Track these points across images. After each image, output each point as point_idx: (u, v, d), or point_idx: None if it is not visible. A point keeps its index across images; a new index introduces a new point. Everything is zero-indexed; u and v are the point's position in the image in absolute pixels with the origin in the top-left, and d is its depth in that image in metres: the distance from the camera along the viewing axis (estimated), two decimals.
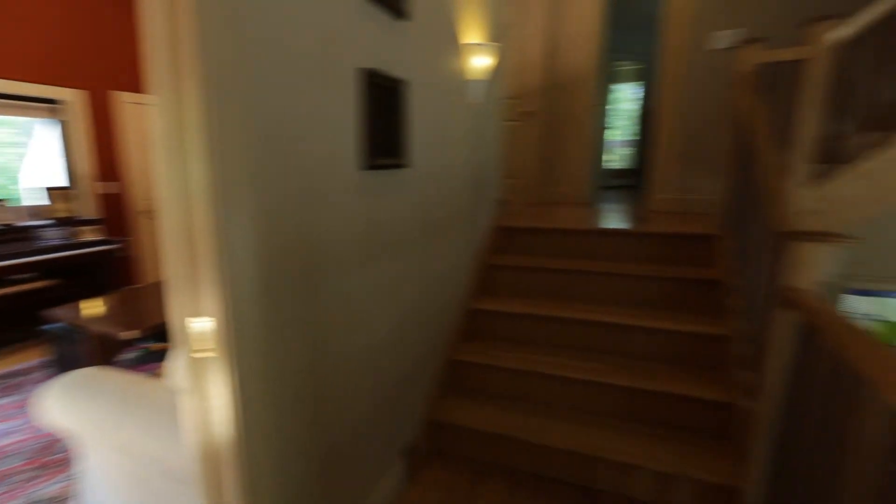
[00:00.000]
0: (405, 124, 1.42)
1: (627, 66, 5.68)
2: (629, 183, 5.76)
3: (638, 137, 5.81)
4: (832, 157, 2.24)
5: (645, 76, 5.50)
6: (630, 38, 5.33)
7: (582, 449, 1.73)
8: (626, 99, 5.93)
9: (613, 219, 2.89)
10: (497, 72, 2.45)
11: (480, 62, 2.06)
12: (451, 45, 1.85)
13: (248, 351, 0.88)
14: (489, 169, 2.60)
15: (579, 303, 2.26)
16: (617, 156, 6.17)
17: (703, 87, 3.00)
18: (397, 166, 1.39)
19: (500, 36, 2.44)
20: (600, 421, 1.87)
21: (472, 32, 2.05)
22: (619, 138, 6.15)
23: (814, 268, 1.24)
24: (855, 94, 2.40)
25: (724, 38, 2.87)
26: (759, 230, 1.73)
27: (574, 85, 3.80)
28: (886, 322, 3.14)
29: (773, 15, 2.77)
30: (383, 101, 1.29)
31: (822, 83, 1.96)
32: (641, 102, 5.64)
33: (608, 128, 5.88)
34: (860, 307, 3.18)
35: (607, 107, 5.78)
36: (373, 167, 1.25)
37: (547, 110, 3.90)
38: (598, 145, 5.74)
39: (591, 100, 3.79)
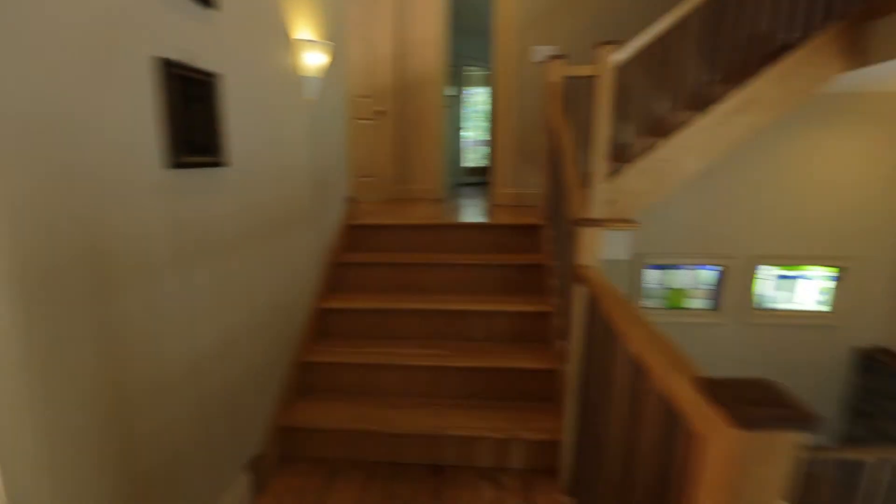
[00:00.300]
0: (220, 120, 1.34)
1: (477, 72, 6.11)
2: (483, 180, 6.21)
3: (489, 138, 6.30)
4: (623, 157, 2.71)
5: (491, 81, 5.98)
6: (478, 44, 5.74)
7: (430, 431, 1.83)
8: (479, 101, 6.37)
9: (460, 213, 3.10)
10: (334, 70, 2.44)
11: (314, 59, 2.04)
12: (278, 39, 1.80)
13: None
14: (336, 168, 2.58)
15: (425, 294, 2.39)
16: (473, 155, 6.61)
17: (530, 94, 3.38)
18: (213, 164, 1.30)
19: (336, 34, 2.43)
20: (445, 402, 2.00)
21: (303, 28, 2.01)
22: (473, 138, 6.60)
23: (595, 248, 1.49)
24: (637, 106, 2.92)
25: (539, 53, 3.27)
26: (564, 219, 2.01)
27: (423, 86, 3.96)
28: (673, 289, 3.91)
29: (579, 35, 3.25)
30: (190, 94, 1.20)
31: (609, 96, 2.35)
32: (489, 105, 6.12)
33: (463, 128, 6.26)
34: (655, 279, 3.90)
35: (462, 108, 6.15)
36: (180, 165, 1.16)
37: (399, 110, 4.00)
38: (454, 144, 6.09)
39: (440, 101, 3.98)
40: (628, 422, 1.02)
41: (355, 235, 2.69)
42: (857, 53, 2.41)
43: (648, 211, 3.67)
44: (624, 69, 2.70)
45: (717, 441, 0.58)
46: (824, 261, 3.73)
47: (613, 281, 3.77)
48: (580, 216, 1.58)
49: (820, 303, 3.88)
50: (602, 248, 1.55)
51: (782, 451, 0.54)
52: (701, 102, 2.57)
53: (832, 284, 3.81)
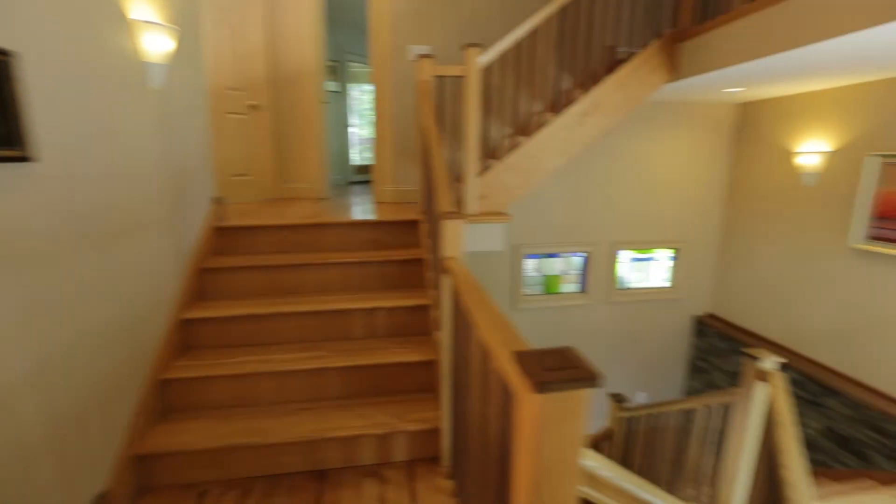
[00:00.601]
0: (20, 107, 1.15)
1: (361, 68, 6.01)
2: (371, 178, 6.16)
3: (373, 135, 6.26)
4: (493, 153, 2.88)
5: (371, 78, 5.94)
6: (360, 40, 5.65)
7: (310, 436, 1.78)
8: (366, 98, 6.28)
9: (343, 211, 3.04)
10: (187, 57, 2.23)
11: (159, 44, 1.83)
12: (105, 16, 1.58)
13: None
14: (198, 166, 2.36)
15: (303, 296, 2.30)
16: (362, 152, 6.51)
17: (407, 92, 3.42)
18: (14, 159, 1.11)
19: (188, 17, 2.22)
20: (326, 405, 1.96)
21: (142, 7, 1.80)
22: (361, 135, 6.49)
23: (458, 240, 1.57)
24: (504, 106, 3.12)
25: (412, 51, 3.34)
26: (434, 213, 2.08)
27: (301, 80, 3.79)
28: (549, 276, 4.25)
29: (454, 35, 3.37)
30: None
31: (476, 96, 2.48)
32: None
33: (351, 125, 6.13)
34: (533, 267, 4.20)
35: (348, 104, 6.01)
36: None
37: (276, 104, 3.78)
38: (341, 141, 5.94)
39: (320, 96, 3.85)
40: (482, 400, 1.09)
41: (226, 238, 2.50)
42: (673, 69, 2.84)
43: (525, 206, 3.96)
44: (491, 71, 2.87)
45: (526, 405, 0.64)
46: (666, 244, 4.35)
47: (497, 271, 4.02)
48: (444, 210, 1.64)
49: (665, 280, 4.52)
50: (465, 240, 1.63)
51: (575, 407, 0.61)
52: (559, 105, 2.83)
53: (672, 264, 4.46)
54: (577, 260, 4.26)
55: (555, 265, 4.23)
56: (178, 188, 2.11)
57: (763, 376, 1.98)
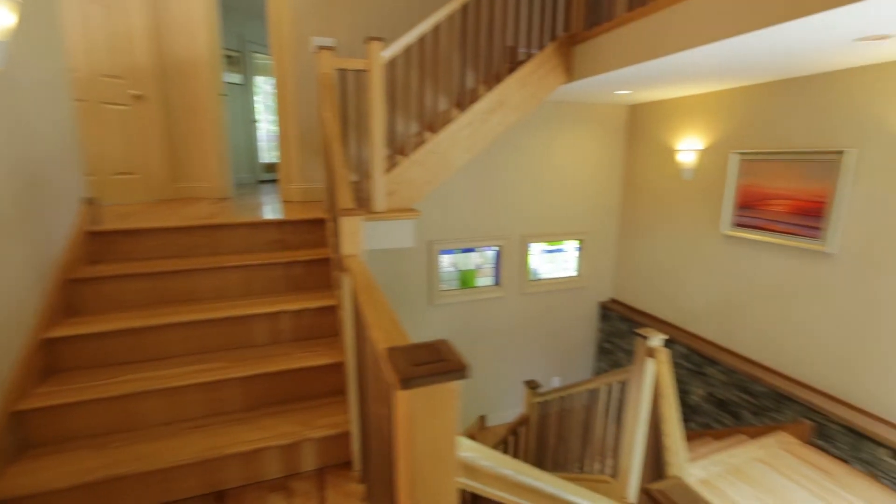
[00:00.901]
0: None
1: (266, 59, 5.67)
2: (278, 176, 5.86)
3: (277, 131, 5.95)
4: (400, 149, 2.86)
5: (273, 70, 5.63)
6: (264, 30, 5.32)
7: (206, 455, 1.64)
8: (273, 92, 5.93)
9: (246, 212, 2.85)
10: (37, 35, 1.94)
11: None
12: None
13: None
14: (59, 161, 2.07)
15: (198, 303, 2.12)
16: (271, 149, 6.15)
17: (311, 84, 3.29)
18: None
19: None
20: (225, 419, 1.82)
21: None
22: (272, 131, 6.13)
23: (356, 237, 1.53)
24: (411, 102, 3.11)
25: (315, 43, 3.21)
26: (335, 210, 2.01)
27: (195, 70, 3.49)
28: (465, 270, 4.33)
29: (358, 28, 3.29)
30: None
31: (380, 90, 2.44)
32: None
33: (258, 120, 5.76)
34: (449, 262, 4.25)
35: (254, 97, 5.64)
36: None
37: (165, 96, 3.44)
38: (247, 137, 5.56)
39: (218, 88, 3.57)
40: (377, 399, 1.07)
41: (102, 244, 2.22)
42: (568, 71, 3.01)
43: (437, 201, 4.00)
44: (395, 66, 2.84)
45: (398, 401, 0.63)
46: (572, 235, 4.62)
47: (413, 268, 4.01)
48: (343, 207, 1.59)
49: (573, 270, 4.81)
50: (368, 237, 1.60)
51: (445, 400, 0.61)
52: (464, 102, 2.88)
53: (577, 254, 4.76)
54: (491, 254, 4.39)
55: (470, 260, 4.32)
56: (30, 188, 1.83)
57: (651, 353, 2.17)
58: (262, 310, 2.07)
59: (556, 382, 4.96)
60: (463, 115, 2.78)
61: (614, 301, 4.89)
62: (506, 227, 4.32)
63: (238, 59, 5.31)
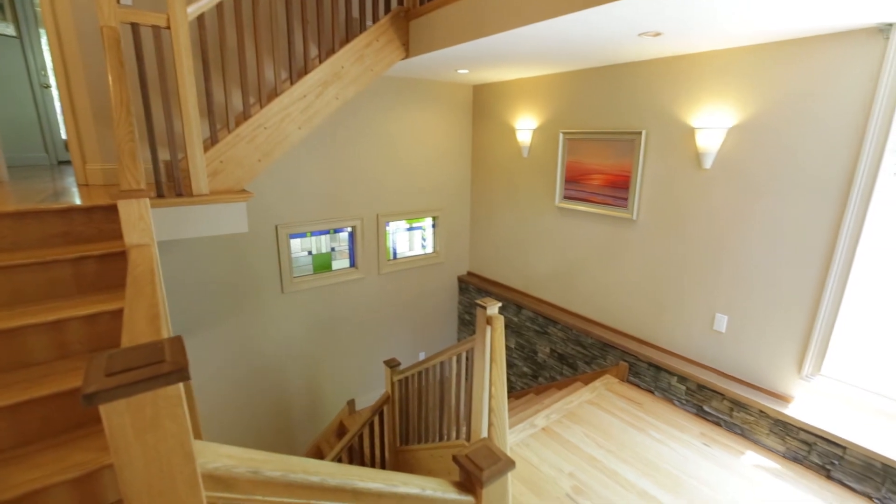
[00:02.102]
0: None
1: None
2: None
3: (62, 99, 4.91)
4: (223, 122, 2.55)
5: (45, 20, 4.59)
6: None
7: None
8: None
9: (24, 199, 2.26)
10: None
11: None
12: None
13: None
14: None
15: None
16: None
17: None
18: None
19: None
20: None
21: None
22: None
23: (143, 223, 1.30)
24: (236, 69, 2.77)
25: None
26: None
27: None
28: (319, 254, 4.12)
29: None
30: None
31: (189, 54, 2.10)
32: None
33: (49, 85, 4.64)
34: (301, 247, 4.00)
35: (37, 57, 4.51)
36: None
37: None
38: (35, 106, 4.45)
39: None
40: None
41: None
42: (405, 46, 2.97)
43: (283, 184, 3.70)
44: (207, 25, 2.49)
45: (104, 419, 0.51)
46: (427, 213, 4.70)
47: (262, 255, 3.65)
48: (125, 187, 1.33)
49: (430, 247, 4.91)
50: (148, 222, 1.37)
51: (160, 408, 0.50)
52: (297, 73, 2.65)
53: (433, 231, 4.87)
54: (344, 235, 4.25)
55: (323, 243, 4.12)
56: None
57: (489, 321, 2.30)
58: (40, 319, 1.67)
59: (423, 357, 5.09)
60: (295, 86, 2.57)
61: (471, 274, 5.15)
62: (359, 206, 4.21)
63: (11, 2, 4.19)
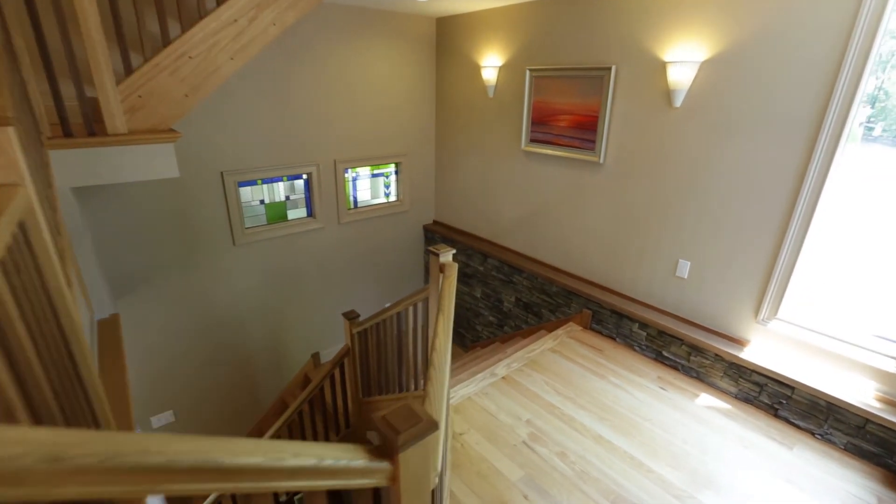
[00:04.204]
0: None
1: None
2: None
3: None
4: (139, 50, 2.22)
5: None
6: None
7: None
8: None
9: None
10: None
11: None
12: None
13: None
14: None
15: None
16: None
17: None
18: None
19: None
20: None
21: None
22: None
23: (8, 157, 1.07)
24: None
25: None
26: None
27: None
28: (273, 203, 3.88)
29: None
30: None
31: None
32: None
33: None
34: (254, 195, 3.74)
35: None
36: None
37: None
38: None
39: None
40: None
41: None
42: None
43: (227, 127, 3.38)
44: None
45: None
46: (389, 158, 4.45)
47: (208, 205, 3.37)
48: None
49: (394, 194, 4.70)
50: (107, 167, 1.14)
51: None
52: None
53: (396, 178, 4.65)
54: (300, 184, 3.99)
55: (277, 191, 3.87)
56: None
57: (443, 269, 2.17)
58: None
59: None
60: (222, 7, 2.24)
61: (437, 223, 5.00)
62: (315, 152, 3.93)
63: None
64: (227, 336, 3.90)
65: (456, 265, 2.20)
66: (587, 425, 2.50)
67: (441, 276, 2.14)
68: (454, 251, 2.25)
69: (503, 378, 2.93)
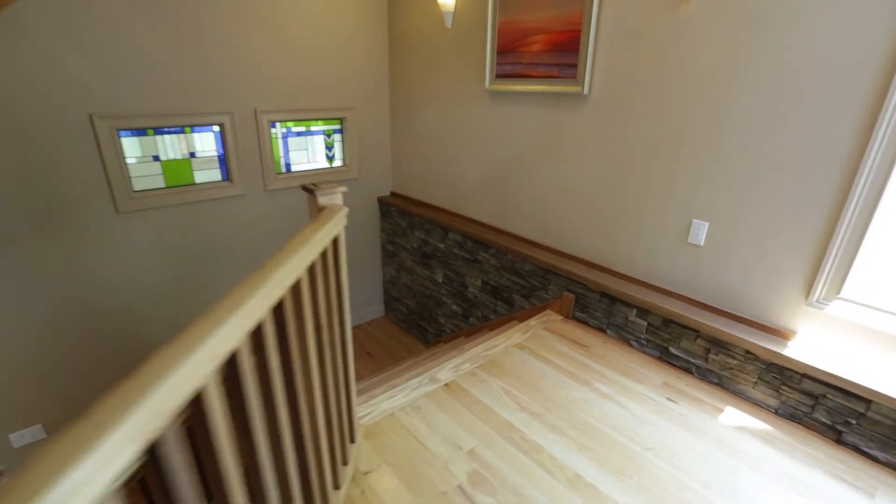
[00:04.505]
0: None
1: None
2: None
3: None
4: None
5: None
6: None
7: None
8: None
9: None
10: None
11: None
12: None
13: None
14: None
15: None
16: None
17: None
18: None
19: None
20: None
21: None
22: None
23: None
24: None
25: None
26: None
27: None
28: (174, 160, 3.04)
29: None
30: None
31: None
32: None
33: None
34: (135, 151, 2.90)
35: None
36: None
37: None
38: None
39: None
40: None
41: None
42: None
43: (105, 56, 2.53)
44: None
45: None
46: (329, 112, 3.61)
47: (79, 158, 2.32)
48: None
49: (339, 158, 3.87)
50: None
51: None
52: None
53: (340, 137, 3.81)
54: (211, 138, 3.16)
55: (176, 145, 3.03)
56: None
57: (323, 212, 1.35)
58: None
59: None
60: None
61: (395, 195, 4.16)
62: (228, 97, 3.09)
63: None
64: (114, 327, 3.07)
65: (346, 210, 1.39)
66: (559, 458, 1.68)
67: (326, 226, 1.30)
68: (345, 189, 1.43)
69: (446, 385, 2.11)
